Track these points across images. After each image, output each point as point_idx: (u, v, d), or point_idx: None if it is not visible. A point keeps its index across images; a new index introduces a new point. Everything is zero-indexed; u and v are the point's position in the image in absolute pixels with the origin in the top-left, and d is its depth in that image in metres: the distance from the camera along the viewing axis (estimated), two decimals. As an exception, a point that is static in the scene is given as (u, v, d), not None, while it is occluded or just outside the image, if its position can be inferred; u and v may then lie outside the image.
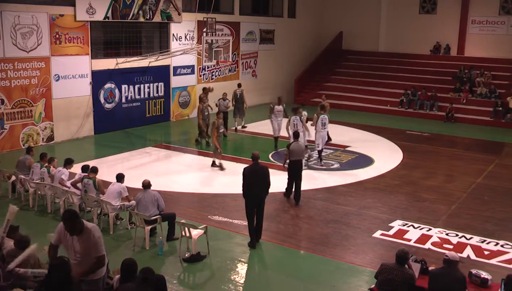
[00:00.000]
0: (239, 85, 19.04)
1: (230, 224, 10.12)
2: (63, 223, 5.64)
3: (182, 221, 9.09)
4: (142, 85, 19.25)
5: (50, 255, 5.81)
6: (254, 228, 9.23)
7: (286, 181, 11.69)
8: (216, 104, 17.63)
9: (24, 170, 11.50)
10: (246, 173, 9.21)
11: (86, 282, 5.61)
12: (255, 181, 9.15)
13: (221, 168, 13.90)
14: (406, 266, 6.57)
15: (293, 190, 11.56)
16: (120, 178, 10.10)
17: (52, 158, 11.40)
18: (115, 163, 14.33)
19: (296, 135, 12.22)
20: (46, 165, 11.12)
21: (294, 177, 11.47)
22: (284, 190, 11.78)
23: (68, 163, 10.96)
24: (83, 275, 5.58)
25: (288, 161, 11.50)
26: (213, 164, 14.07)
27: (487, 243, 9.46)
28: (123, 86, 18.52)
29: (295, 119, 14.44)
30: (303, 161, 12.00)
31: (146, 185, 9.48)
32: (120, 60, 18.08)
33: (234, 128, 18.63)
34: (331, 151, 15.95)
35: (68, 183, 10.55)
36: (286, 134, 15.02)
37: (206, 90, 16.99)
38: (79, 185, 10.39)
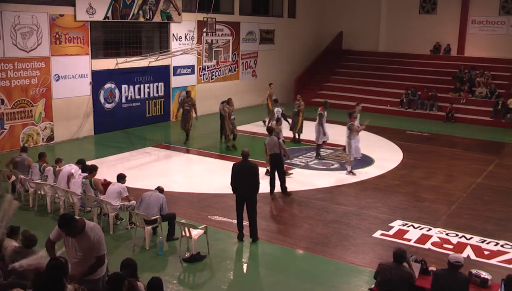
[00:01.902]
0: (270, 85, 19.44)
1: (230, 224, 10.11)
2: (59, 229, 5.63)
3: (182, 221, 9.10)
4: (142, 85, 19.25)
5: (48, 250, 5.82)
6: (241, 222, 9.44)
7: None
8: (220, 109, 17.02)
9: (24, 170, 11.51)
10: (234, 169, 9.40)
11: (86, 282, 5.61)
12: (243, 177, 9.27)
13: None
14: (406, 264, 6.58)
15: (279, 182, 11.98)
16: (120, 178, 10.11)
17: (59, 159, 11.42)
18: (115, 163, 14.33)
19: (269, 130, 12.62)
20: (53, 165, 11.12)
21: (276, 170, 11.90)
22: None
23: (80, 163, 10.99)
24: (84, 275, 5.58)
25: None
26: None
27: (487, 243, 9.46)
28: (123, 86, 18.52)
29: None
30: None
31: (160, 188, 9.60)
32: (120, 60, 18.08)
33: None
34: (331, 151, 15.95)
35: (75, 177, 10.57)
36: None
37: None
38: (72, 181, 10.42)
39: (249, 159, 9.56)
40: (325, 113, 15.56)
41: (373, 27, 27.43)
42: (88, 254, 5.61)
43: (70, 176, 10.49)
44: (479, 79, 23.24)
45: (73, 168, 10.71)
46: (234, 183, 9.35)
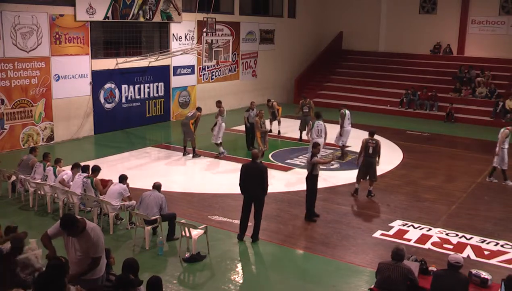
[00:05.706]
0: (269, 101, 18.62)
1: (230, 224, 10.12)
2: (62, 230, 5.65)
3: (182, 221, 9.10)
4: (142, 85, 19.25)
5: (44, 244, 5.84)
6: (244, 222, 9.43)
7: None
8: (245, 117, 16.18)
9: (27, 169, 11.51)
10: (242, 170, 9.41)
11: (85, 281, 5.61)
12: (250, 178, 9.26)
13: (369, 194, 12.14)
14: (405, 262, 6.60)
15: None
16: (122, 178, 10.10)
17: (59, 159, 11.43)
18: (115, 163, 14.33)
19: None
20: (53, 165, 11.11)
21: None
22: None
23: (75, 167, 10.89)
24: (80, 275, 5.60)
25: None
26: (355, 191, 12.19)
27: (487, 243, 9.46)
28: (123, 86, 18.52)
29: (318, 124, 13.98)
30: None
31: (157, 186, 9.56)
32: (120, 60, 18.08)
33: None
34: (331, 151, 15.94)
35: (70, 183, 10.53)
36: None
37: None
38: (72, 183, 10.42)
39: (257, 160, 9.55)
40: None
41: (373, 27, 27.43)
42: (87, 254, 5.62)
43: (62, 182, 10.47)
44: (479, 79, 23.24)
45: (66, 174, 10.65)
46: (241, 182, 9.36)
